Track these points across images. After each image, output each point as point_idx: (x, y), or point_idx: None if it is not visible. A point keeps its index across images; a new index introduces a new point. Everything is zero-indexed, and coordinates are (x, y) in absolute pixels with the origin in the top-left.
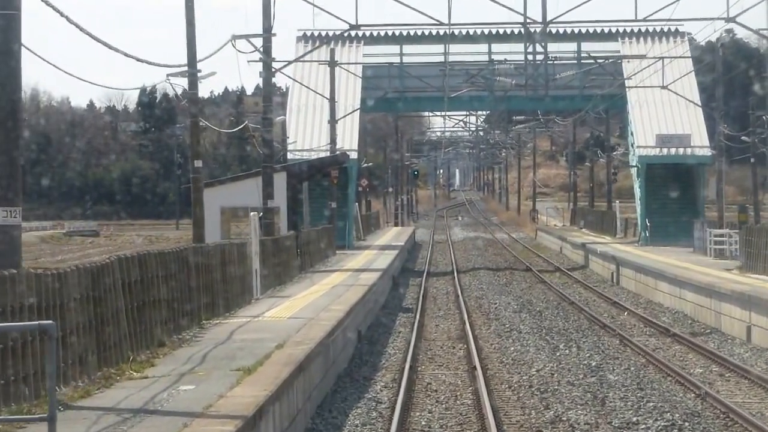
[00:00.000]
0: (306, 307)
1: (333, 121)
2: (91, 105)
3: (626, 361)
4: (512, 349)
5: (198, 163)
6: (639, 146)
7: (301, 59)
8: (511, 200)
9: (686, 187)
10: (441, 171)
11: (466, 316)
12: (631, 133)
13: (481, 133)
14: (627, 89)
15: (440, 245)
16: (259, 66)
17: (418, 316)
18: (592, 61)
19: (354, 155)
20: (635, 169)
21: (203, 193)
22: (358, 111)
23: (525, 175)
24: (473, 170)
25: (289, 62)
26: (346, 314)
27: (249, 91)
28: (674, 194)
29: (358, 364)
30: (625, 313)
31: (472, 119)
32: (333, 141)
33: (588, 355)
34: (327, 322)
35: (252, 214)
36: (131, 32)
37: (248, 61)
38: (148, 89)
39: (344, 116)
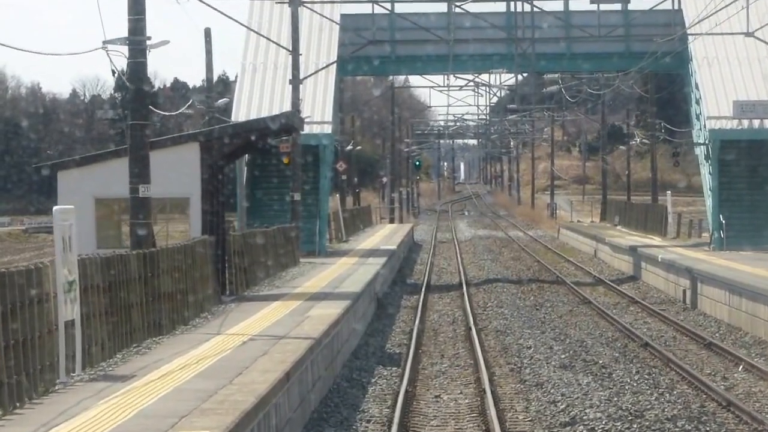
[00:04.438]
0: (128, 426)
1: (296, 81)
2: (74, 93)
3: None
4: None
5: None
6: (710, 117)
7: None
8: (522, 193)
9: None
10: (445, 163)
11: (485, 376)
12: (696, 101)
13: (487, 120)
14: (690, 42)
15: (444, 246)
16: None
17: (406, 376)
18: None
19: (327, 128)
20: (703, 148)
21: (59, 177)
22: (334, 68)
23: (535, 167)
24: (479, 161)
25: None
26: None
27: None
28: (758, 181)
29: None
30: (740, 368)
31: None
32: (295, 107)
33: None
34: None
35: (57, 209)
36: None
37: None
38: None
39: (315, 72)
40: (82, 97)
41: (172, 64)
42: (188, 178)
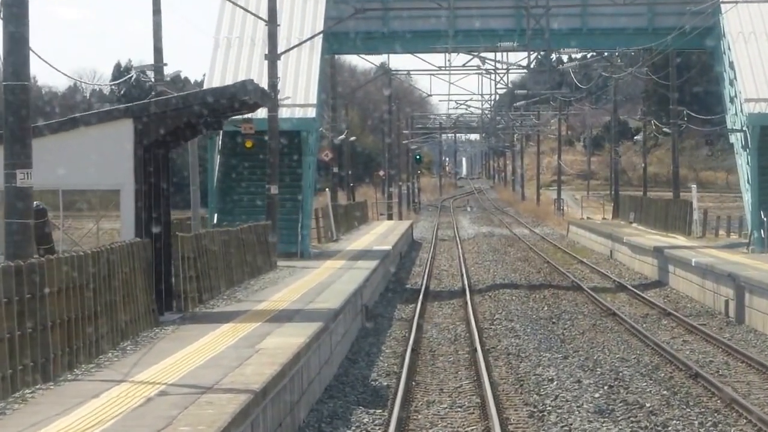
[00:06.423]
0: None
1: (273, 56)
2: (74, 87)
3: None
4: None
5: None
6: (747, 99)
7: None
8: (525, 189)
9: None
10: (447, 158)
11: (498, 427)
12: (730, 82)
13: (491, 108)
14: (722, 13)
15: (445, 244)
16: None
17: (393, 425)
18: None
19: (311, 112)
20: (740, 135)
21: None
22: (320, 46)
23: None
24: (482, 157)
25: None
26: None
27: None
28: None
29: None
30: None
31: (484, 88)
32: (273, 86)
33: None
34: None
35: None
36: None
37: None
38: (123, 66)
39: (295, 46)
40: (82, 92)
41: (174, 61)
42: (119, 165)
